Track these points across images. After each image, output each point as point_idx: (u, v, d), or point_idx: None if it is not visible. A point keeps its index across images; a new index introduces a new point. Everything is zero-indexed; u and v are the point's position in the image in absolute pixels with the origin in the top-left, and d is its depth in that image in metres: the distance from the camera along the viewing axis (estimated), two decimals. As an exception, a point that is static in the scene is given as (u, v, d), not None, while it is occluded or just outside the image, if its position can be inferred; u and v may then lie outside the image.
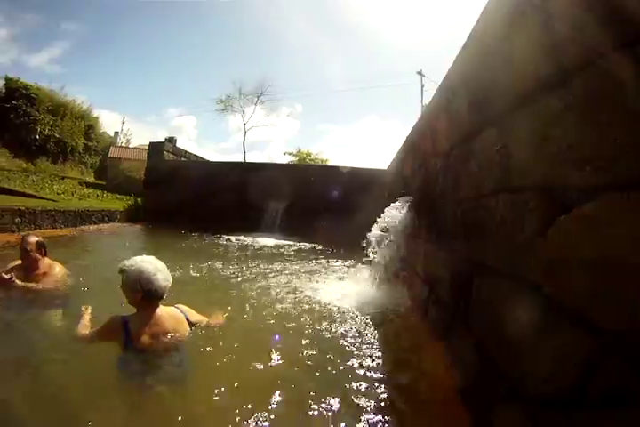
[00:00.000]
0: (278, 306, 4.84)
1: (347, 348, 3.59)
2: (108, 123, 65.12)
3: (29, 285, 4.17)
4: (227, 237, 13.89)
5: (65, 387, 2.69)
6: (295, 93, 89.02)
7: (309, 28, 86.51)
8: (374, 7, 79.56)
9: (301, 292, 5.55)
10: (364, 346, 3.62)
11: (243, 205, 17.18)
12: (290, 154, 40.28)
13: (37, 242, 4.43)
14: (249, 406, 2.51)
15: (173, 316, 2.88)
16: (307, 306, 4.89)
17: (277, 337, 3.75)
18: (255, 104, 40.17)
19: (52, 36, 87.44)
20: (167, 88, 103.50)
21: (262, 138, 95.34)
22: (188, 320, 2.94)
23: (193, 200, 18.20)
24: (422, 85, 31.33)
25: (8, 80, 29.04)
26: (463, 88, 3.37)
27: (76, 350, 2.91)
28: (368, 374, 3.06)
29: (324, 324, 4.19)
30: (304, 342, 3.66)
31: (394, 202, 5.87)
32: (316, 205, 16.01)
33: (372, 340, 3.80)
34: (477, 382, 2.46)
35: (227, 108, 40.52)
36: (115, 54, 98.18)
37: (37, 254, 4.41)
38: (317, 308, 4.82)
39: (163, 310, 2.84)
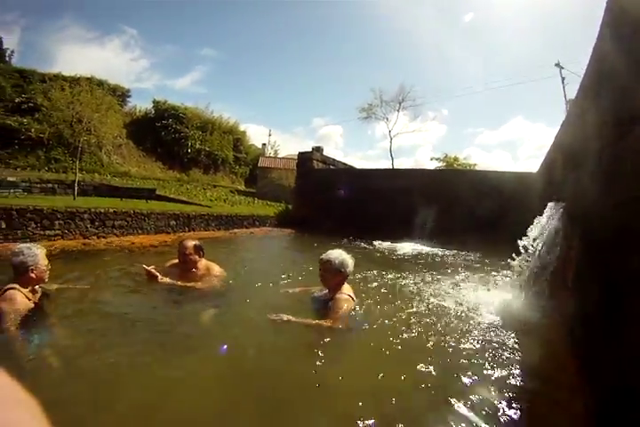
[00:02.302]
0: (419, 311, 4.84)
1: (475, 360, 3.46)
2: (256, 136, 70.92)
3: (189, 284, 4.64)
4: (375, 243, 13.87)
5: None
6: (436, 97, 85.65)
7: (442, 28, 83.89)
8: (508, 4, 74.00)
9: (444, 299, 5.53)
10: (496, 359, 3.48)
11: (391, 211, 17.16)
12: (437, 159, 40.42)
13: (195, 245, 4.89)
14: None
15: None
16: (447, 313, 4.82)
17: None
18: (398, 110, 39.87)
19: (193, 61, 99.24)
20: (312, 99, 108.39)
21: (409, 144, 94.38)
22: None
23: (341, 207, 18.52)
24: (562, 78, 27.36)
25: (156, 103, 33.79)
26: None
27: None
28: (486, 388, 2.93)
29: (460, 332, 4.12)
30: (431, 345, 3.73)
31: (544, 208, 5.78)
32: (465, 211, 15.51)
33: (505, 354, 3.63)
34: (619, 410, 2.25)
35: (370, 116, 40.51)
36: (256, 72, 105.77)
37: (196, 256, 4.88)
38: (456, 316, 4.74)
39: None
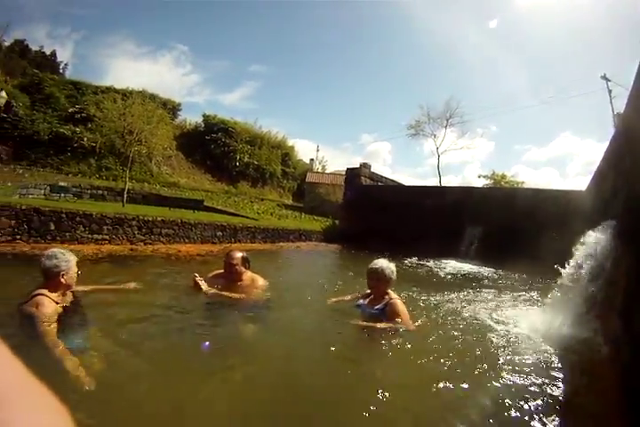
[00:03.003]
0: (458, 332, 4.58)
1: (516, 382, 3.34)
2: (304, 151, 71.04)
3: (232, 294, 4.67)
4: (421, 260, 13.79)
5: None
6: (484, 113, 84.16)
7: (487, 43, 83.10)
8: (546, 15, 72.57)
9: (484, 320, 5.35)
10: (536, 384, 3.31)
11: (437, 228, 16.83)
12: (484, 177, 40.27)
13: (242, 257, 4.94)
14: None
15: None
16: (489, 334, 4.64)
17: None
18: (445, 127, 38.73)
19: (243, 77, 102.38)
20: (360, 115, 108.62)
21: (457, 160, 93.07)
22: None
23: (388, 223, 18.37)
24: (609, 91, 25.63)
25: (206, 117, 34.96)
26: None
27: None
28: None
29: (502, 355, 3.94)
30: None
31: (594, 227, 5.61)
32: (512, 230, 15.03)
33: (547, 377, 3.47)
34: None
35: (418, 133, 39.52)
36: (305, 88, 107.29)
37: (242, 268, 4.92)
38: (498, 336, 4.57)
39: None
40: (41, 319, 3.04)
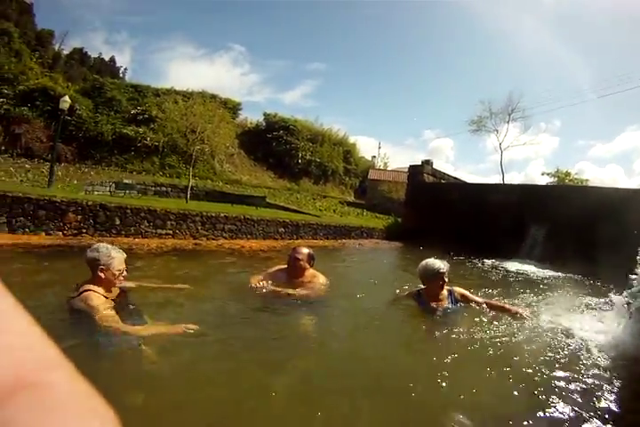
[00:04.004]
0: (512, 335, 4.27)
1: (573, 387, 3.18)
2: (366, 148, 70.61)
3: (292, 291, 4.66)
4: (483, 259, 13.41)
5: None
6: (547, 107, 79.77)
7: (548, 36, 79.30)
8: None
9: (544, 324, 4.89)
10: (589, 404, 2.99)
11: (500, 227, 16.23)
12: (548, 174, 39.73)
13: (309, 254, 4.96)
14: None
15: None
16: (549, 339, 4.30)
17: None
18: (507, 122, 37.57)
19: (302, 75, 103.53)
20: (422, 111, 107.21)
21: (520, 157, 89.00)
22: None
23: (450, 221, 18.00)
24: None
25: (267, 115, 35.72)
26: None
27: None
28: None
29: (556, 365, 3.65)
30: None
31: None
32: (579, 230, 14.30)
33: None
34: None
35: (480, 129, 38.45)
36: (365, 84, 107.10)
37: (307, 264, 4.92)
38: (559, 342, 4.24)
39: None
40: (94, 312, 3.09)
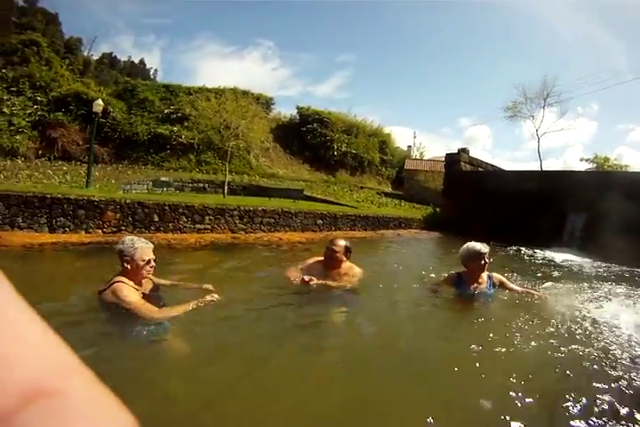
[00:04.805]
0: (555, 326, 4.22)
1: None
2: (402, 138, 69.94)
3: (328, 282, 4.76)
4: (522, 248, 13.43)
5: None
6: (583, 91, 76.27)
7: (584, 18, 76.22)
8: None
9: (586, 315, 4.74)
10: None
11: (539, 215, 16.08)
12: (586, 160, 39.23)
13: (346, 246, 5.00)
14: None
15: None
16: (589, 327, 4.29)
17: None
18: (543, 107, 36.31)
19: (333, 67, 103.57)
20: (457, 98, 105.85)
21: (557, 144, 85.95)
22: None
23: (489, 210, 17.80)
24: None
25: (300, 109, 35.88)
26: None
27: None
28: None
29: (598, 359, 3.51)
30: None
31: None
32: (620, 219, 13.39)
33: None
34: None
35: (515, 115, 37.56)
36: (397, 73, 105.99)
37: (343, 256, 4.99)
38: (601, 332, 4.18)
39: None
40: (123, 302, 3.19)
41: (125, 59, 49.60)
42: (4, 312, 0.35)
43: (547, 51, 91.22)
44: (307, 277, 4.59)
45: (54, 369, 0.36)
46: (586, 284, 7.30)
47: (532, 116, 35.98)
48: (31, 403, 0.32)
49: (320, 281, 4.66)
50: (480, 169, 23.25)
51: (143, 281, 3.58)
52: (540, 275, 8.15)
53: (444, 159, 22.83)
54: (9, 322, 0.35)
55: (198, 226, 11.19)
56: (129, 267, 3.41)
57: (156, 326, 3.28)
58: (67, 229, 9.20)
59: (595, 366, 3.31)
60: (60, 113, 22.79)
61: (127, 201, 10.16)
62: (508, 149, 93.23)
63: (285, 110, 36.43)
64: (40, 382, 0.34)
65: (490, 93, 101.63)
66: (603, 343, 3.88)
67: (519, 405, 2.58)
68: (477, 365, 3.14)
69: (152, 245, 3.61)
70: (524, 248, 13.40)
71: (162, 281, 4.08)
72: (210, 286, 4.32)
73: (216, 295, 3.63)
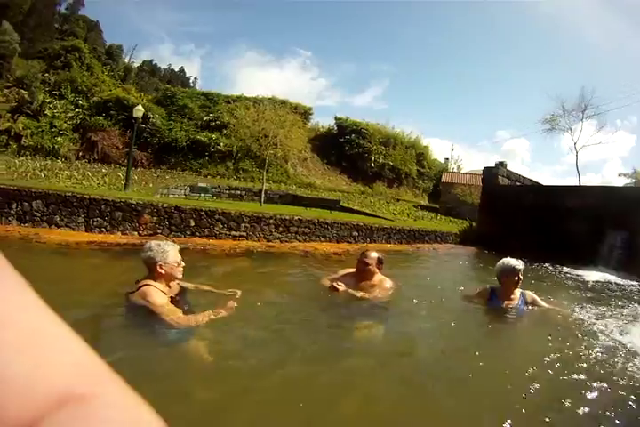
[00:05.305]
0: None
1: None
2: (439, 150, 69.65)
3: (359, 294, 4.70)
4: (559, 267, 12.88)
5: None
6: (621, 102, 74.07)
7: (621, 29, 74.73)
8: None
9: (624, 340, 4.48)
10: None
11: (577, 233, 15.34)
12: (625, 175, 38.44)
13: (378, 258, 4.99)
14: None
15: None
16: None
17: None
18: (581, 120, 35.29)
19: (372, 77, 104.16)
20: (496, 111, 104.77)
21: (596, 158, 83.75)
22: None
23: (527, 226, 17.30)
24: None
25: (338, 119, 36.38)
26: None
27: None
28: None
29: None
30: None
31: None
32: None
33: None
34: None
35: (553, 128, 36.37)
36: (435, 85, 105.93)
37: (375, 268, 4.98)
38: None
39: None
40: (152, 305, 3.21)
41: (165, 66, 50.85)
42: (34, 318, 0.35)
43: (585, 63, 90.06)
44: (336, 284, 4.60)
45: (86, 375, 0.36)
46: (623, 306, 7.04)
47: (571, 129, 35.03)
48: (64, 406, 0.32)
49: (350, 290, 4.65)
50: (518, 183, 22.97)
51: (171, 284, 3.61)
52: (573, 293, 7.97)
53: (481, 173, 22.52)
54: (37, 329, 0.35)
55: (234, 233, 11.15)
56: (163, 271, 3.44)
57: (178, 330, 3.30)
58: (103, 229, 9.29)
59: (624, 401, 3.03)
60: (100, 117, 23.67)
61: (164, 205, 10.23)
62: (548, 163, 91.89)
63: (323, 121, 36.84)
64: (73, 387, 0.34)
65: (530, 106, 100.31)
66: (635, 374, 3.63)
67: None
68: (502, 382, 3.12)
69: (178, 246, 3.67)
70: (559, 266, 12.99)
71: (187, 284, 4.09)
72: (238, 292, 4.21)
73: (235, 303, 3.54)
